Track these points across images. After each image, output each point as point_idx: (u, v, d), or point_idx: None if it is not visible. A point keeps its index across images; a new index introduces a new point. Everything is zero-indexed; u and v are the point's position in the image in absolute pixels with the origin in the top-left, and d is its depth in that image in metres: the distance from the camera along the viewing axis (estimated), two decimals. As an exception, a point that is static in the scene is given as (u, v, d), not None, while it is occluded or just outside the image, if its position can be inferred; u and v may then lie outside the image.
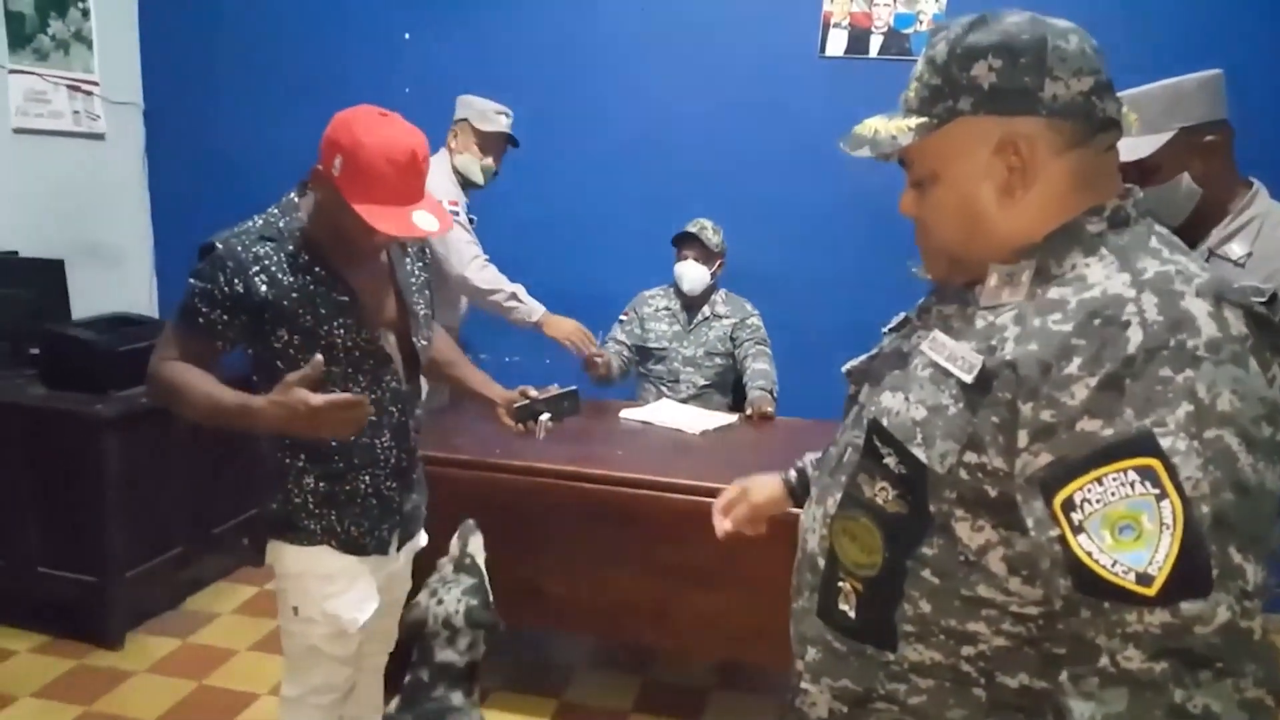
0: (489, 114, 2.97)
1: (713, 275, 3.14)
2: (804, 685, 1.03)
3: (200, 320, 1.58)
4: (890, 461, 0.91)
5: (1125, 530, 0.74)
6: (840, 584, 0.97)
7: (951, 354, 0.89)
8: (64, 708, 2.51)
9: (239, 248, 1.57)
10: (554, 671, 2.83)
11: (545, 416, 1.81)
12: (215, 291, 1.56)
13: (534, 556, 2.39)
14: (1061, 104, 0.87)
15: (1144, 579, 0.73)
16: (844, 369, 1.13)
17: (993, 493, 0.84)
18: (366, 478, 1.70)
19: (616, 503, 2.28)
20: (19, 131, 3.35)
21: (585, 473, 2.32)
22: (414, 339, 1.75)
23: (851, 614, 0.96)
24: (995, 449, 0.83)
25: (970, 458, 0.85)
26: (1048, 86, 0.86)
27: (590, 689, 2.74)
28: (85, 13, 3.58)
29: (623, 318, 3.25)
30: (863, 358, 1.10)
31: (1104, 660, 0.76)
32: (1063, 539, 0.77)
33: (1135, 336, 0.77)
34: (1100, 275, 0.84)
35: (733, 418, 2.86)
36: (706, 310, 3.18)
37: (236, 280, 1.56)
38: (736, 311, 3.19)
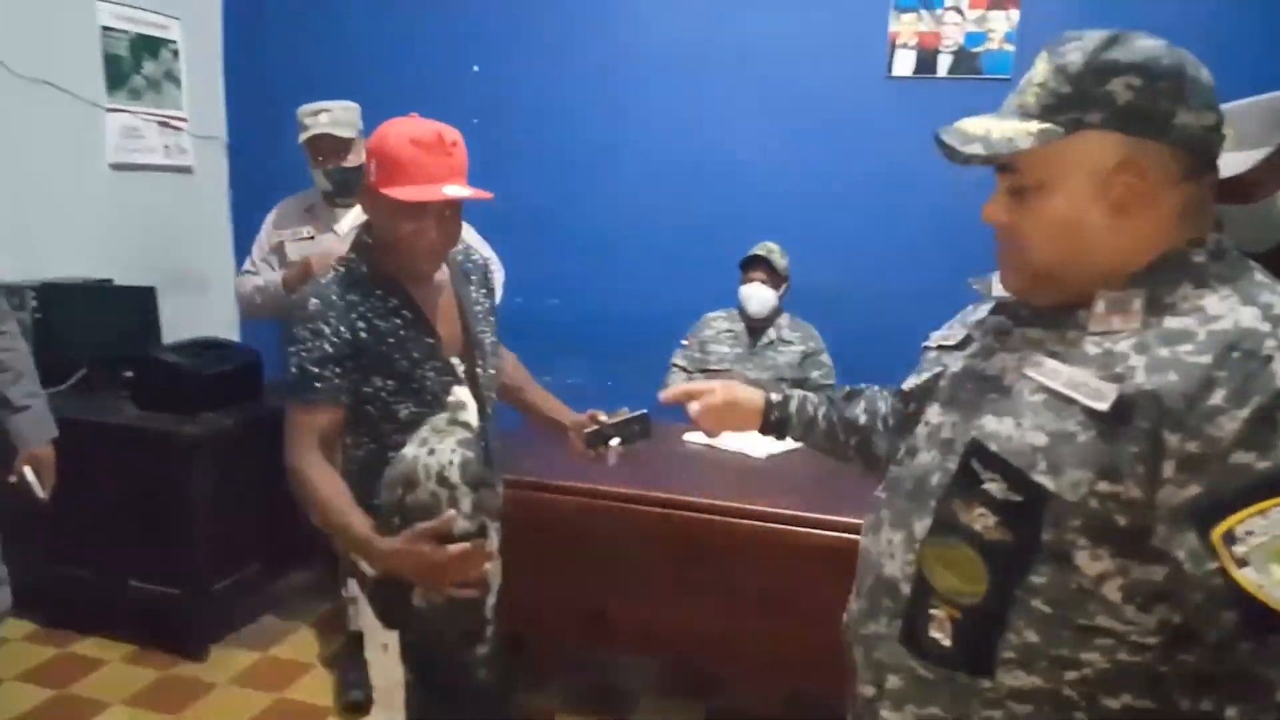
0: (302, 124, 2.83)
1: (779, 298, 3.14)
2: (885, 714, 1.01)
3: (319, 386, 1.53)
4: (994, 488, 0.90)
5: None
6: (932, 611, 0.95)
7: (1071, 380, 0.88)
8: (152, 715, 2.62)
9: (333, 296, 1.56)
10: (618, 696, 2.84)
11: (616, 441, 1.80)
12: (325, 345, 1.53)
13: (597, 580, 2.41)
14: (1189, 134, 0.87)
15: None
16: (903, 387, 1.12)
17: (1123, 522, 0.83)
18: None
19: (680, 527, 2.29)
20: (115, 167, 3.54)
21: (648, 496, 2.33)
22: (478, 368, 1.73)
23: (946, 642, 0.94)
24: (1134, 479, 0.82)
25: (1103, 487, 0.83)
26: (1180, 114, 0.86)
27: (654, 714, 2.75)
28: (175, 53, 3.78)
29: (684, 342, 3.25)
30: (925, 376, 1.09)
31: None
32: (1224, 572, 0.77)
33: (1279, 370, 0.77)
34: (1223, 308, 0.84)
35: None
36: (771, 334, 3.17)
37: (343, 328, 1.54)
38: (805, 339, 3.17)
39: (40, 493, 2.21)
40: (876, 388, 1.37)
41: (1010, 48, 3.32)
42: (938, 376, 1.06)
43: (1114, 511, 0.83)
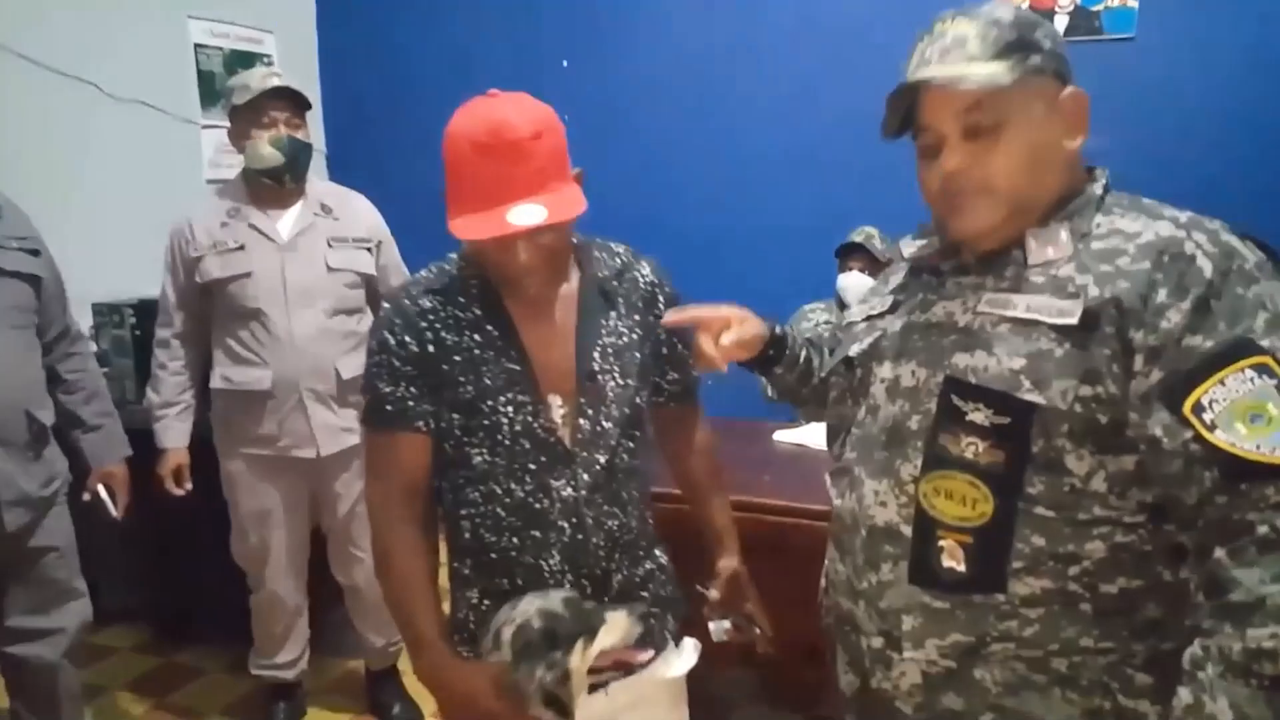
0: (243, 86, 2.30)
1: (879, 286, 2.94)
2: (906, 655, 1.05)
3: (389, 409, 1.28)
4: (978, 416, 0.99)
5: (1256, 419, 0.87)
6: (941, 543, 1.01)
7: (1031, 306, 0.98)
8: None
9: (405, 301, 1.30)
10: (714, 706, 2.69)
11: (726, 624, 1.51)
12: (392, 359, 1.28)
13: (686, 589, 2.28)
14: (1072, 81, 1.04)
15: None
16: (849, 354, 1.18)
17: (1104, 419, 0.94)
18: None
19: (764, 531, 2.13)
20: (212, 183, 3.62)
21: (739, 500, 2.18)
22: (587, 416, 1.31)
23: (960, 568, 1.00)
24: (1111, 378, 0.93)
25: (1086, 390, 0.94)
26: (1067, 64, 1.04)
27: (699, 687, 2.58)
28: (270, 66, 3.84)
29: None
30: (867, 342, 1.16)
31: (1262, 529, 0.86)
32: (1199, 438, 0.89)
33: (1205, 265, 0.91)
34: (1138, 225, 0.98)
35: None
36: (871, 324, 2.97)
37: (409, 338, 1.27)
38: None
39: (114, 511, 2.23)
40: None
41: (1134, 3, 3.02)
42: (879, 339, 1.14)
43: (1096, 411, 0.94)
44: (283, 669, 2.62)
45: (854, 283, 2.89)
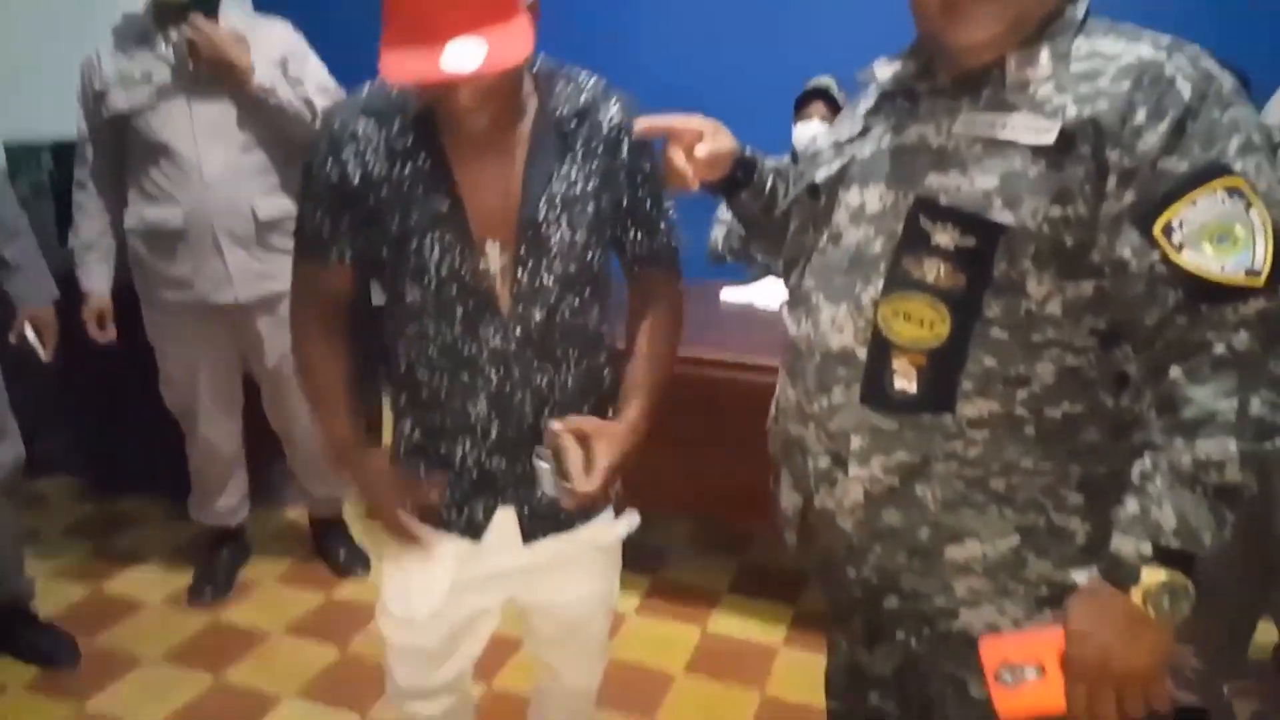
0: None
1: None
2: (851, 471, 1.08)
3: (308, 237, 1.27)
4: (944, 239, 1.00)
5: (1222, 240, 0.89)
6: (895, 364, 1.04)
7: (1009, 126, 0.99)
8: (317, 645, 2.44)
9: (336, 124, 1.22)
10: (648, 551, 2.82)
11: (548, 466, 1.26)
12: (315, 186, 1.24)
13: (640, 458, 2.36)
14: None
15: (1253, 273, 0.89)
16: (815, 181, 1.17)
17: (1070, 242, 0.96)
18: (466, 444, 1.33)
19: (706, 385, 2.20)
20: (128, 15, 3.34)
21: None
22: (527, 266, 1.24)
23: (912, 389, 1.03)
24: (1083, 199, 0.95)
25: (1056, 211, 0.95)
26: None
27: (685, 570, 2.73)
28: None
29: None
30: (835, 167, 1.15)
31: (1219, 348, 0.90)
32: (1166, 259, 0.91)
33: (1184, 88, 0.92)
34: (1118, 47, 0.97)
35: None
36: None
37: (332, 165, 1.21)
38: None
39: (42, 354, 2.19)
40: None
41: None
42: (847, 164, 1.13)
43: (1064, 233, 0.96)
44: (223, 515, 2.64)
45: (812, 131, 2.71)
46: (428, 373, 1.31)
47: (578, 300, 1.30)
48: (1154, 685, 0.95)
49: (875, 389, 1.05)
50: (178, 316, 2.37)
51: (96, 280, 2.37)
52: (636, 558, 2.71)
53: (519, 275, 1.25)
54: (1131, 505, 0.93)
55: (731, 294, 2.66)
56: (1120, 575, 0.93)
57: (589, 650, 1.63)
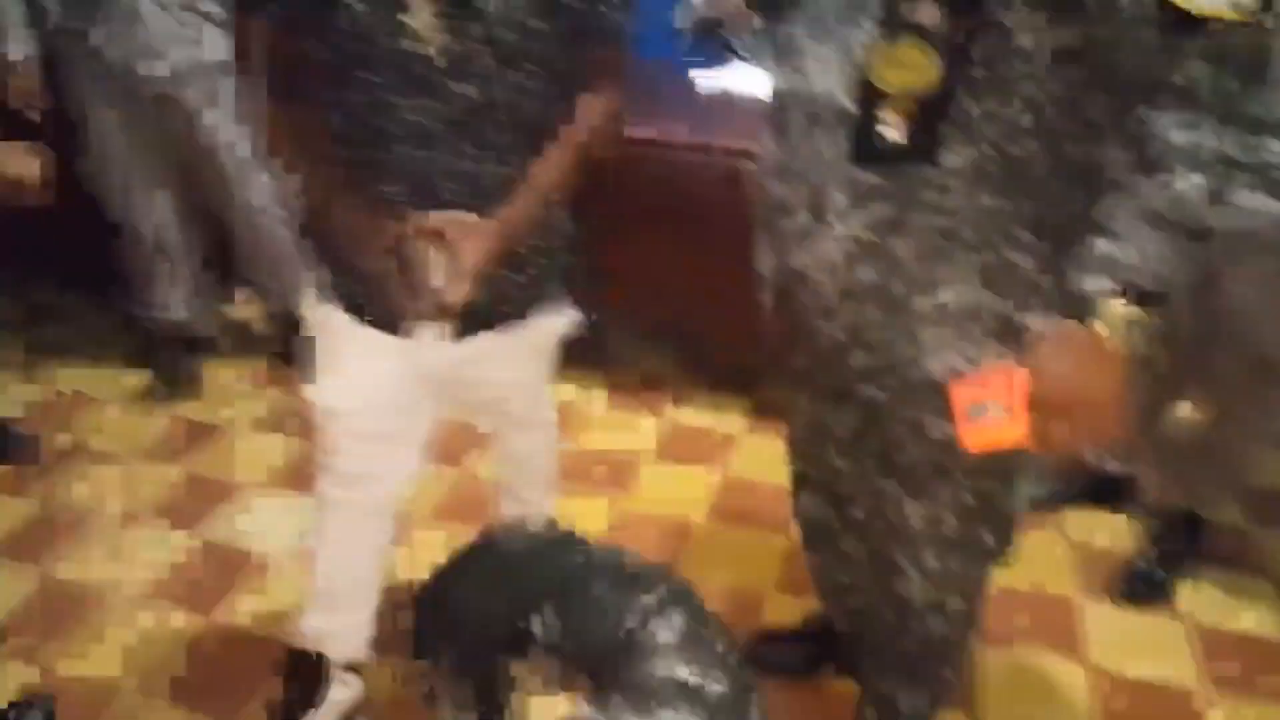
0: None
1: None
2: (831, 232, 1.10)
3: None
4: None
5: None
6: (884, 115, 1.05)
7: None
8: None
9: None
10: (609, 346, 2.84)
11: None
12: None
13: (586, 229, 2.31)
14: None
15: (1238, 5, 0.97)
16: None
17: None
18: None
19: (659, 166, 2.17)
20: None
21: (632, 136, 2.16)
22: (451, 36, 1.15)
23: (903, 139, 1.04)
24: None
25: None
26: None
27: (646, 365, 2.78)
28: None
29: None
30: None
31: (1182, 83, 0.98)
32: None
33: None
34: None
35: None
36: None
37: None
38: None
39: None
40: None
41: None
42: None
43: None
44: (164, 310, 2.55)
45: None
46: (346, 149, 1.22)
47: (521, 80, 1.20)
48: (1111, 415, 1.03)
49: (862, 142, 1.07)
50: (98, 85, 2.22)
51: (16, 46, 2.19)
52: (598, 354, 2.78)
53: (448, 41, 1.14)
54: (1096, 244, 0.99)
55: (706, 79, 2.57)
56: (1085, 311, 0.99)
57: (533, 420, 1.65)
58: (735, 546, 2.11)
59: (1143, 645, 1.86)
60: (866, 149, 1.06)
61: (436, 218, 1.15)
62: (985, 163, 1.03)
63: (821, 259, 1.14)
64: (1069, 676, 1.80)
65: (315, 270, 1.36)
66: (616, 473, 2.32)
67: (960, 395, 1.07)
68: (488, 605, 1.19)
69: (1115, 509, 2.18)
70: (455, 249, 1.13)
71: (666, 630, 1.10)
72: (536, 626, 1.14)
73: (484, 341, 1.34)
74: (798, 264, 1.18)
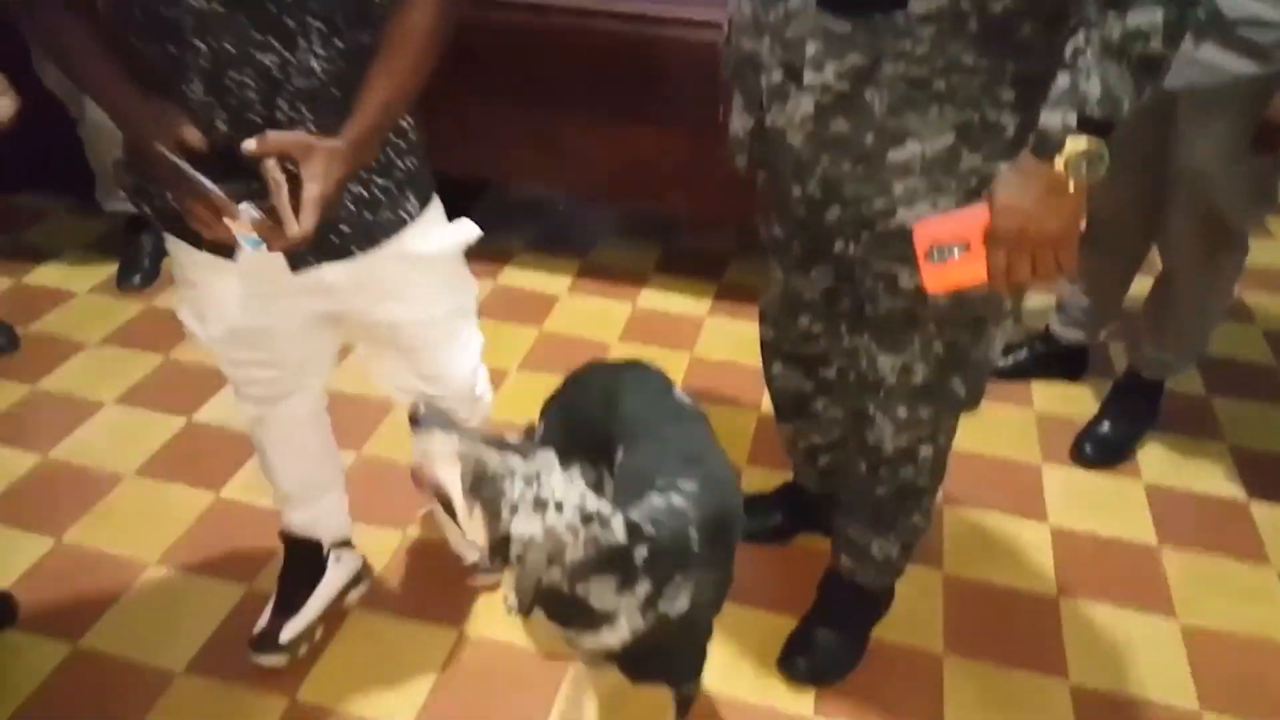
0: None
1: None
2: (805, 84, 1.09)
3: None
4: None
5: None
6: None
7: None
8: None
9: None
10: (576, 235, 2.84)
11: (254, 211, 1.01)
12: None
13: (546, 110, 2.27)
14: None
15: None
16: None
17: None
18: (195, 138, 1.04)
19: (635, 45, 2.08)
20: None
21: (605, 9, 2.09)
22: None
23: None
24: None
25: None
26: None
27: (612, 253, 2.77)
28: None
29: None
30: None
31: None
32: None
33: None
34: None
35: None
36: None
37: None
38: None
39: None
40: None
41: None
42: None
43: None
44: (123, 199, 2.48)
45: None
46: (139, 42, 1.05)
47: None
48: (1066, 248, 1.05)
49: None
50: None
51: None
52: (565, 242, 2.76)
53: None
54: (1061, 80, 0.98)
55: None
56: (1045, 146, 0.99)
57: (447, 378, 1.43)
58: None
59: (1102, 505, 1.92)
60: None
61: (283, 138, 1.00)
62: (955, 14, 1.00)
63: (794, 115, 1.13)
64: (1031, 534, 1.85)
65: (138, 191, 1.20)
66: (581, 357, 2.29)
67: (922, 238, 1.08)
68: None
69: (1077, 379, 2.23)
70: (304, 175, 1.00)
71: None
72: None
73: (336, 272, 1.19)
74: (772, 122, 1.16)
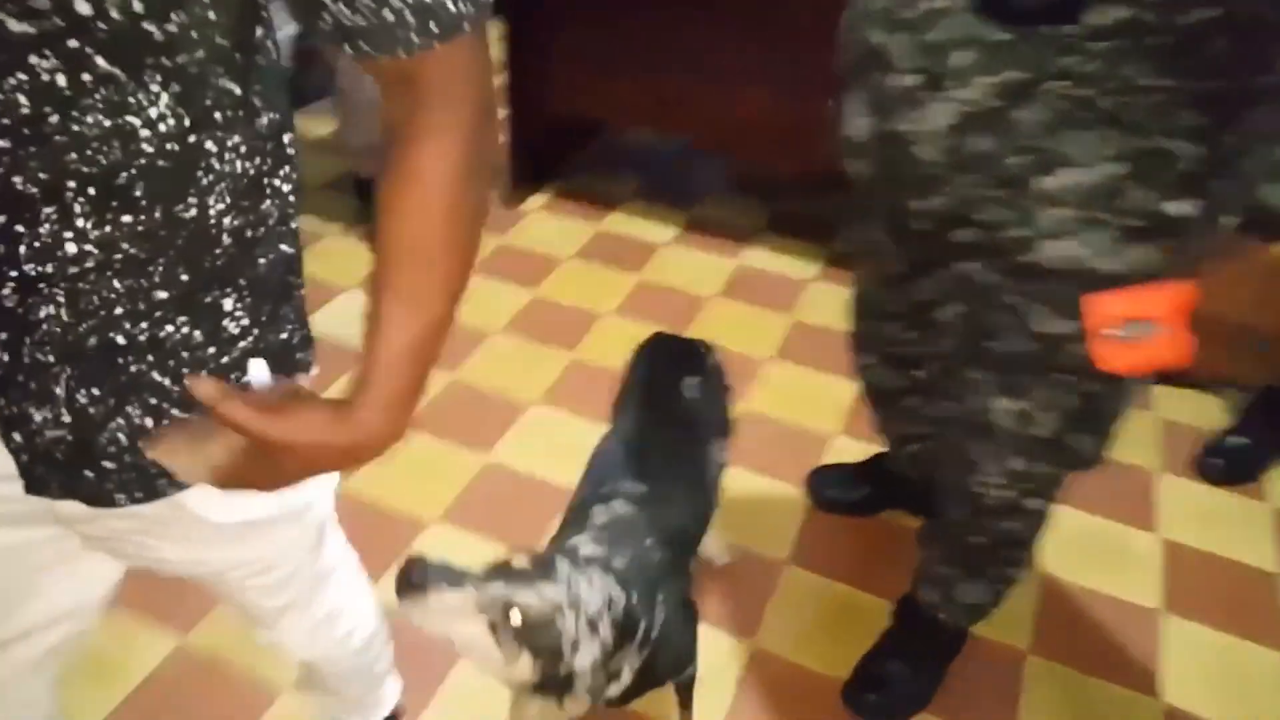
0: None
1: None
2: (946, 94, 0.95)
3: None
4: None
5: None
6: None
7: None
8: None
9: None
10: (685, 188, 2.78)
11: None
12: None
13: (661, 59, 2.22)
14: None
15: None
16: None
17: None
18: None
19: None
20: None
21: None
22: None
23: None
24: None
25: None
26: None
27: (720, 209, 2.69)
28: None
29: None
30: None
31: None
32: None
33: None
34: None
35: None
36: None
37: None
38: None
39: None
40: None
41: None
42: None
43: None
44: None
45: None
46: None
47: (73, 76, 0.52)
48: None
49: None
50: None
51: None
52: (674, 193, 2.70)
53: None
54: None
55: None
56: (1271, 228, 0.86)
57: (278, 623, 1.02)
58: (802, 389, 2.05)
59: (1222, 523, 1.77)
60: (997, 2, 0.91)
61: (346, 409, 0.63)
62: (1135, 27, 0.86)
63: (927, 126, 0.99)
64: (1140, 544, 1.72)
65: None
66: (685, 309, 2.26)
67: (1097, 311, 0.95)
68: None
69: (1207, 389, 2.06)
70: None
71: None
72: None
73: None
74: (897, 129, 1.02)
